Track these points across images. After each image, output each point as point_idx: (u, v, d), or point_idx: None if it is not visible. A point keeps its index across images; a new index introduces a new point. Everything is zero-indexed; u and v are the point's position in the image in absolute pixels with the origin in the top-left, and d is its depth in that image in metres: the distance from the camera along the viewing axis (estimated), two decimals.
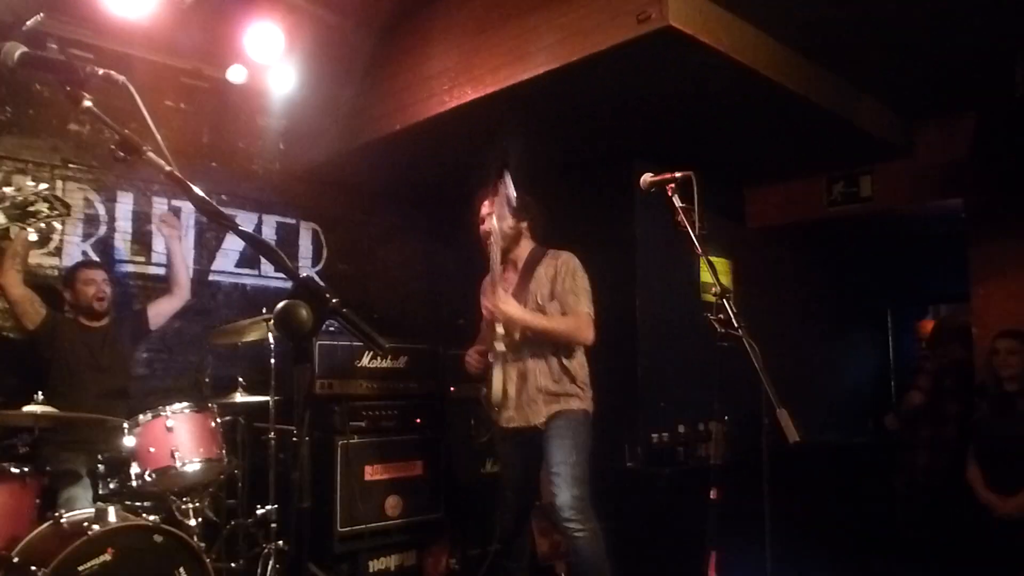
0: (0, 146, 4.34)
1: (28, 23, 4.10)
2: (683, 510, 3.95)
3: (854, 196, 5.42)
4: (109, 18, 4.04)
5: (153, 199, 4.85)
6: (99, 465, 3.44)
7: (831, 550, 4.49)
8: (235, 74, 4.74)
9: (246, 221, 5.23)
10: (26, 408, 3.18)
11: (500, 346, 3.27)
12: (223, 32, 4.63)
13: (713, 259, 2.86)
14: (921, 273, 7.44)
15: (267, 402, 3.75)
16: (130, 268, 4.75)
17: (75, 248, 4.54)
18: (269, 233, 5.38)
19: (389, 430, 4.32)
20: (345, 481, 4.04)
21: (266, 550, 3.63)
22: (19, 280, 3.86)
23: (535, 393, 3.30)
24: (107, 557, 2.82)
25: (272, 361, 3.76)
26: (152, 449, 3.26)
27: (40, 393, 3.21)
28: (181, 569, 2.99)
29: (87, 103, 1.50)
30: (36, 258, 4.41)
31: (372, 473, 4.18)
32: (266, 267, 5.30)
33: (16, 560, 2.90)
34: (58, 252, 4.49)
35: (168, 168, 1.43)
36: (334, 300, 1.37)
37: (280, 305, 1.34)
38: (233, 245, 5.14)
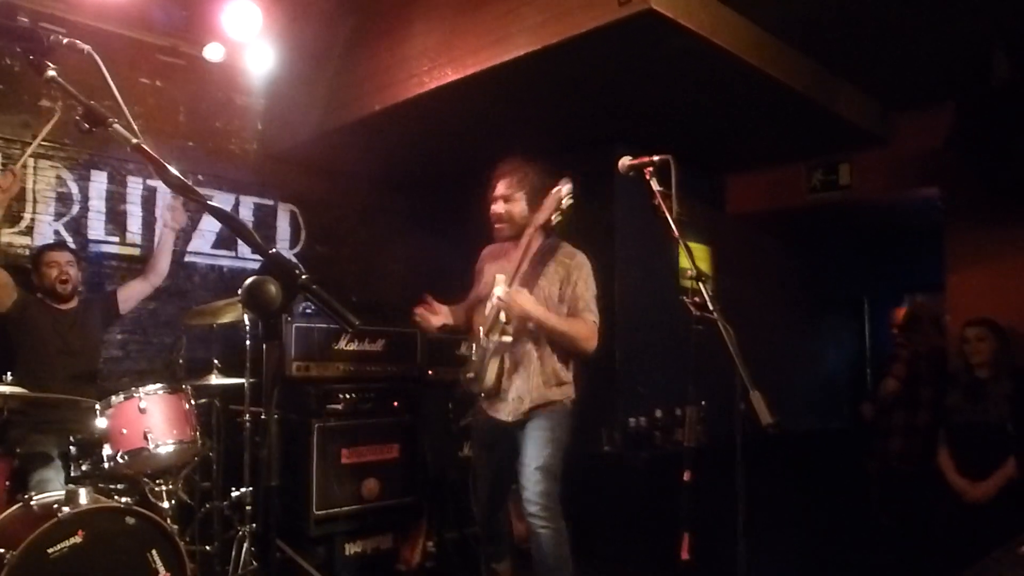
0: None
1: None
2: (660, 493, 3.97)
3: (833, 184, 5.45)
4: None
5: (128, 178, 4.78)
6: (71, 447, 3.39)
7: (805, 535, 4.54)
8: (212, 52, 4.68)
9: (223, 202, 5.16)
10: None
11: (505, 338, 3.18)
12: (200, 9, 4.58)
13: (692, 245, 2.85)
14: (898, 262, 7.51)
15: (242, 384, 3.71)
16: (104, 248, 4.68)
17: (47, 227, 4.47)
18: (246, 214, 5.32)
19: (366, 413, 4.29)
20: (321, 464, 4.02)
21: (240, 533, 3.61)
22: None
23: (527, 389, 3.21)
24: (77, 539, 2.79)
25: (247, 343, 3.72)
26: (124, 431, 3.21)
27: (9, 374, 3.16)
28: (153, 551, 2.96)
29: (51, 72, 1.46)
30: (7, 237, 4.34)
31: (348, 456, 4.16)
32: (243, 249, 5.24)
33: None
34: (29, 231, 4.42)
35: (135, 141, 1.39)
36: (304, 276, 1.35)
37: (248, 281, 1.31)
38: (210, 226, 5.08)
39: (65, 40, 1.46)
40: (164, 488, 3.34)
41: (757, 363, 2.35)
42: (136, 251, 4.79)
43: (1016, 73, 3.89)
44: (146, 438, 3.21)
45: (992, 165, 4.30)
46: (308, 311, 4.14)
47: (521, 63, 3.74)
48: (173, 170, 1.42)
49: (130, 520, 2.95)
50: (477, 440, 3.50)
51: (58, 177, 4.53)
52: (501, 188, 3.39)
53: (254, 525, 3.62)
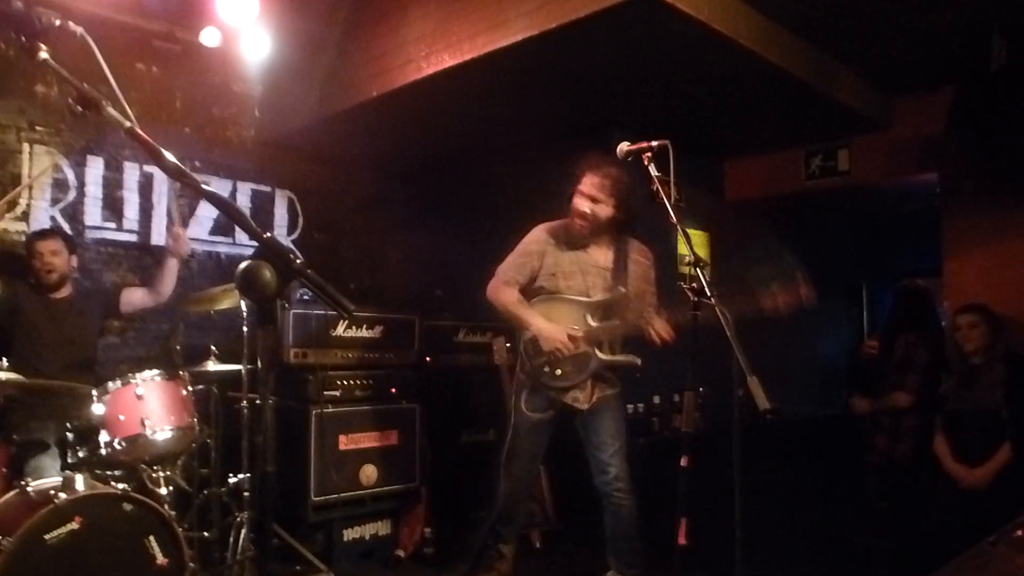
0: None
1: None
2: (658, 480, 3.99)
3: (832, 170, 5.43)
4: None
5: (125, 164, 4.76)
6: (68, 434, 3.38)
7: (802, 521, 4.55)
8: (208, 37, 4.65)
9: (220, 189, 5.16)
10: None
11: (636, 360, 3.50)
12: None
13: (690, 231, 2.86)
14: (896, 248, 7.50)
15: (240, 371, 3.71)
16: (100, 235, 4.67)
17: (43, 213, 4.46)
18: (244, 201, 5.31)
19: (364, 399, 4.29)
20: (319, 451, 4.02)
21: (239, 519, 3.61)
22: None
23: (600, 378, 3.48)
24: (74, 526, 2.78)
25: (245, 330, 3.71)
26: (122, 417, 3.21)
27: (4, 360, 3.15)
28: (151, 538, 2.95)
29: (43, 55, 1.44)
30: (3, 223, 4.33)
31: (347, 443, 4.16)
32: (241, 235, 5.23)
33: None
34: (25, 217, 4.41)
35: (128, 125, 1.38)
36: (298, 261, 1.34)
37: (242, 265, 1.31)
38: (207, 213, 5.07)
39: (58, 22, 1.44)
40: (162, 475, 3.34)
41: (755, 349, 2.35)
42: (133, 237, 4.79)
43: (1014, 58, 3.87)
44: (143, 424, 3.21)
45: (990, 150, 4.28)
46: (305, 297, 4.13)
47: (519, 48, 3.72)
48: (168, 155, 1.41)
49: (127, 506, 2.95)
50: (535, 423, 3.56)
51: (54, 163, 4.51)
52: (591, 188, 3.41)
53: (252, 511, 3.62)
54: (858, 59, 4.49)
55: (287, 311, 4.06)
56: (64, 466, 3.35)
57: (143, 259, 4.81)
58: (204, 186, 1.43)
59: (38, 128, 4.46)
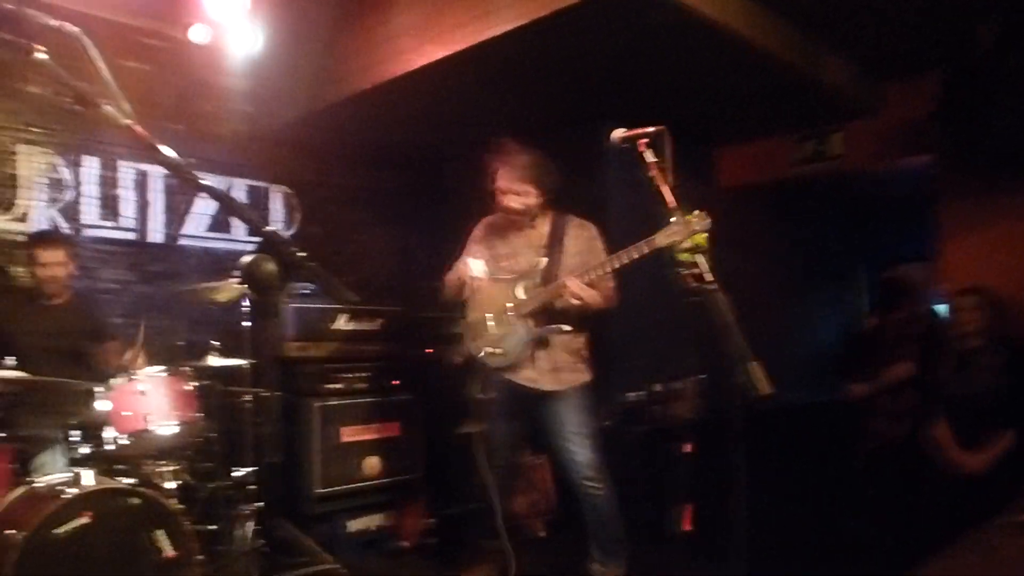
0: None
1: None
2: (659, 467, 4.03)
3: (824, 155, 5.46)
4: None
5: (119, 162, 4.77)
6: (72, 430, 3.41)
7: (803, 507, 4.59)
8: (197, 34, 4.64)
9: (216, 185, 5.12)
10: None
11: (565, 327, 3.37)
12: None
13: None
14: (892, 232, 7.53)
15: (241, 365, 3.73)
16: (98, 233, 4.69)
17: (41, 214, 4.47)
18: (240, 197, 5.32)
19: (365, 392, 4.33)
20: (322, 443, 4.06)
21: (245, 511, 3.64)
22: None
23: (560, 361, 3.44)
24: (84, 520, 2.82)
25: (245, 324, 3.73)
26: (126, 412, 3.24)
27: (10, 358, 3.18)
28: (160, 531, 2.99)
29: (41, 55, 1.46)
30: (1, 223, 4.34)
31: (349, 435, 4.20)
32: (237, 231, 5.25)
33: None
34: (24, 218, 4.42)
35: (125, 122, 1.41)
36: (300, 254, 1.37)
37: (246, 258, 1.33)
38: (203, 209, 5.09)
39: (54, 22, 1.46)
40: (167, 469, 3.37)
41: (750, 336, 2.38)
42: (130, 235, 4.81)
43: (999, 42, 3.89)
44: (147, 420, 3.24)
45: (979, 133, 4.31)
46: (303, 291, 4.16)
47: (507, 38, 3.73)
48: (166, 150, 1.43)
49: (135, 500, 2.99)
50: (496, 412, 3.57)
51: (50, 163, 4.52)
52: (511, 182, 3.44)
53: (257, 504, 3.65)
54: (847, 43, 4.51)
55: (285, 304, 4.08)
56: (70, 462, 3.39)
57: (140, 256, 4.83)
58: (202, 181, 1.45)
59: (33, 129, 4.46)
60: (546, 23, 3.54)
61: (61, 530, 2.79)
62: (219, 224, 5.16)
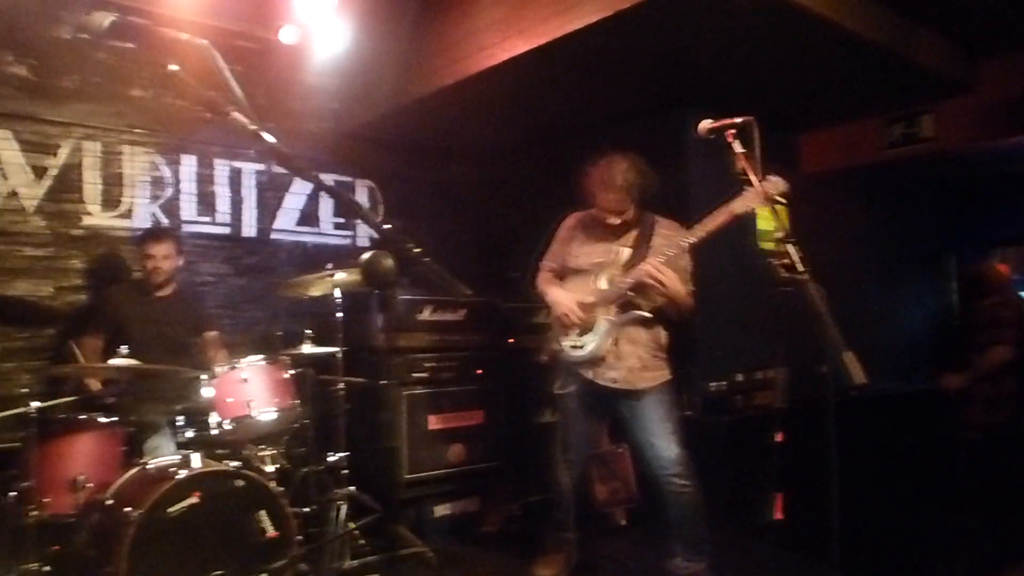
0: (70, 113, 4.49)
1: None
2: (743, 458, 4.00)
3: (915, 137, 5.28)
4: None
5: (215, 160, 4.99)
6: (178, 415, 3.61)
7: (895, 496, 4.49)
8: (287, 35, 4.80)
9: (304, 180, 5.34)
10: (111, 361, 3.38)
11: (643, 313, 3.39)
12: None
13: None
14: (984, 216, 7.23)
15: (333, 353, 3.87)
16: (196, 228, 4.92)
17: (144, 210, 4.72)
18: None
19: (450, 381, 4.44)
20: (410, 430, 4.18)
21: (338, 495, 3.78)
22: None
23: (643, 359, 3.45)
24: (194, 500, 2.99)
25: (339, 314, 3.86)
26: (229, 399, 3.41)
27: (124, 347, 3.38)
28: (262, 512, 3.14)
29: (173, 67, 1.57)
30: (108, 220, 4.60)
31: (435, 422, 4.32)
32: (325, 224, 5.44)
33: (109, 503, 3.10)
34: (129, 214, 4.67)
35: (253, 128, 1.49)
36: (416, 250, 1.43)
37: (366, 255, 1.41)
38: (293, 204, 5.29)
39: (184, 36, 1.56)
40: (267, 453, 3.53)
41: (839, 324, 2.35)
42: (225, 230, 5.03)
43: None
44: (249, 406, 3.40)
45: None
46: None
47: (592, 30, 3.74)
48: (293, 154, 1.52)
49: (239, 483, 3.14)
50: (574, 406, 3.61)
51: (151, 162, 4.76)
52: (604, 187, 3.46)
53: (349, 488, 3.79)
54: (938, 20, 4.35)
55: (373, 296, 4.21)
56: (177, 446, 3.59)
57: (235, 250, 5.06)
58: (328, 183, 1.53)
59: (136, 130, 4.70)
60: (631, 13, 3.54)
61: (173, 509, 2.97)
62: (308, 218, 5.35)
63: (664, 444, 3.41)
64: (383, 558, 3.76)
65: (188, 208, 4.89)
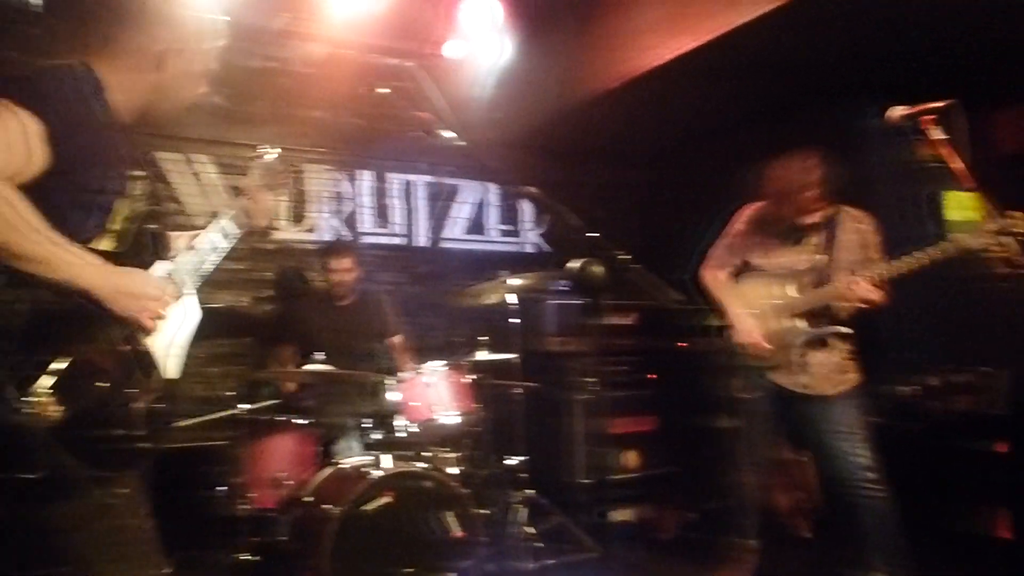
0: (259, 136, 4.84)
1: (273, 24, 4.55)
2: (941, 469, 3.72)
3: None
4: (330, 9, 4.32)
5: (388, 175, 5.24)
6: (364, 418, 3.79)
7: None
8: (451, 49, 4.94)
9: (472, 191, 5.55)
10: (305, 367, 3.62)
11: (843, 328, 3.26)
12: (442, 8, 4.83)
13: (958, 194, 2.64)
14: None
15: (507, 360, 3.94)
16: (372, 239, 5.18)
17: (326, 223, 5.02)
18: (493, 200, 5.64)
19: (623, 385, 4.42)
20: (584, 435, 4.20)
21: (516, 498, 3.85)
22: None
23: (836, 363, 3.31)
24: (388, 499, 3.14)
25: (514, 320, 3.93)
26: (414, 403, 3.56)
27: (319, 354, 3.61)
28: (449, 513, 3.25)
29: (383, 90, 1.65)
30: (295, 234, 4.94)
31: (609, 427, 4.31)
32: (492, 232, 5.58)
33: (309, 499, 3.31)
34: (312, 229, 5.00)
35: (460, 144, 1.55)
36: (623, 257, 1.43)
37: (576, 263, 1.42)
38: (461, 213, 5.46)
39: (393, 61, 1.64)
40: (451, 455, 3.65)
41: None
42: (398, 240, 5.26)
43: None
44: (433, 410, 3.53)
45: None
46: (564, 287, 4.31)
47: (763, 21, 3.61)
48: (497, 166, 1.55)
49: (428, 483, 3.27)
50: (760, 410, 3.50)
51: (332, 178, 5.07)
52: (787, 184, 3.32)
53: (528, 491, 3.84)
54: None
55: (545, 302, 4.26)
56: (364, 447, 3.77)
57: (409, 259, 5.29)
58: (531, 190, 1.56)
59: (317, 149, 5.02)
60: (808, 1, 3.39)
61: (369, 507, 3.13)
62: (475, 226, 5.50)
63: (856, 449, 3.23)
64: (562, 562, 3.78)
65: (365, 220, 5.16)
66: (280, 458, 3.57)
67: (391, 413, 3.63)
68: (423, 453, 3.69)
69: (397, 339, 4.50)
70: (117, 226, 1.66)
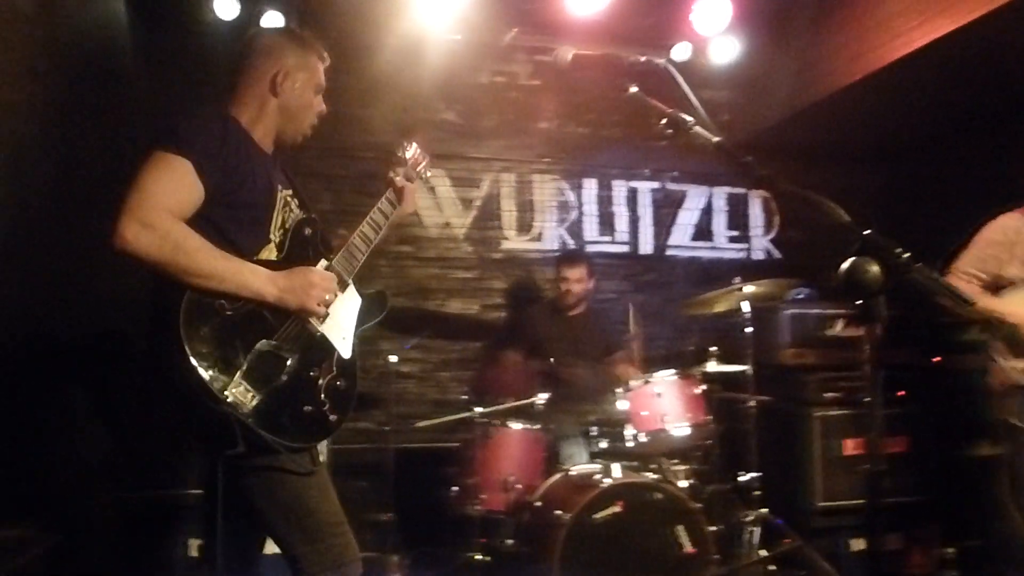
0: (489, 149, 5.06)
1: (505, 39, 4.72)
2: None
3: None
4: (562, 19, 4.37)
5: (613, 182, 5.24)
6: (592, 426, 3.78)
7: None
8: (680, 52, 4.84)
9: (697, 195, 5.42)
10: (535, 373, 3.69)
11: None
12: (668, 11, 4.74)
13: None
14: None
15: (739, 371, 3.77)
16: (597, 247, 5.20)
17: (552, 232, 5.12)
18: (720, 205, 5.47)
19: (867, 402, 4.05)
20: (823, 454, 3.91)
21: (749, 516, 3.66)
22: None
23: None
24: (617, 509, 3.11)
25: (747, 329, 3.76)
26: (643, 412, 3.50)
27: (552, 361, 3.66)
28: (680, 528, 3.15)
29: (633, 89, 1.63)
30: (521, 244, 5.08)
31: (851, 447, 3.98)
32: (719, 239, 5.40)
33: (538, 504, 3.36)
34: (539, 238, 5.11)
35: (716, 140, 1.48)
36: (905, 256, 1.29)
37: (847, 262, 1.31)
38: (687, 220, 5.34)
39: (643, 58, 1.61)
40: (680, 468, 3.55)
41: None
42: (624, 248, 5.24)
43: None
44: (663, 420, 3.45)
45: None
46: (800, 296, 4.06)
47: None
48: (750, 162, 1.47)
49: (658, 495, 3.20)
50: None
51: (557, 188, 5.16)
52: None
53: (761, 510, 3.65)
54: None
55: (782, 311, 4.03)
56: (590, 455, 3.76)
57: (633, 267, 5.25)
58: (795, 188, 1.46)
59: (544, 159, 5.13)
60: None
61: (598, 516, 3.11)
62: (701, 233, 5.35)
63: None
64: None
65: (590, 229, 5.19)
66: (509, 462, 3.64)
67: (618, 422, 3.59)
68: (651, 464, 3.64)
69: (621, 355, 4.45)
70: (276, 238, 1.98)
